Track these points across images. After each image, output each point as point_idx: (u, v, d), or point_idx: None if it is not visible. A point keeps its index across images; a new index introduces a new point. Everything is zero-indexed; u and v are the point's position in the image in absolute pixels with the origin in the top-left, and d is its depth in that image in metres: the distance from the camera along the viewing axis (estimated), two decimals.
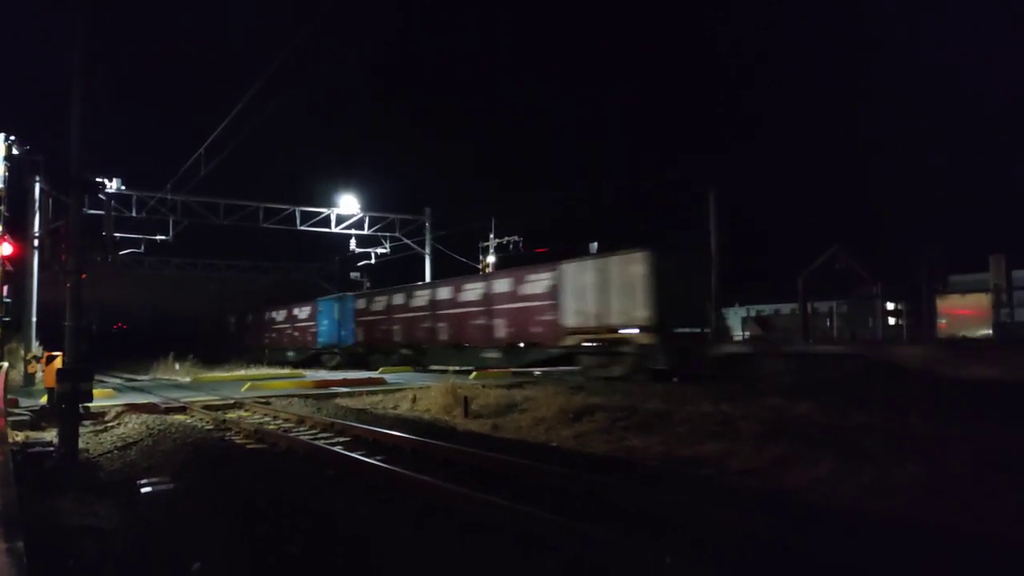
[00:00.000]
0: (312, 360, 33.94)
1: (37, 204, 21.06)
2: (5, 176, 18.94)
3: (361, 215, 32.71)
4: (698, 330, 18.10)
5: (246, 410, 14.40)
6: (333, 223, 32.37)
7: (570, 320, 19.78)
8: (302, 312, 36.23)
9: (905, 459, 6.98)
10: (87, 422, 12.00)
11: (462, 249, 33.43)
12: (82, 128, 9.82)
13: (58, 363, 11.24)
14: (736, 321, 23.41)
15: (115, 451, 9.87)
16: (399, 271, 35.11)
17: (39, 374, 17.62)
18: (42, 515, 6.05)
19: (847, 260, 17.10)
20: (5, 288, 17.94)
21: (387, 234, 34.16)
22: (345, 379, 20.76)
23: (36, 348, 21.10)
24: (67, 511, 6.34)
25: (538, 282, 21.14)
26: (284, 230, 32.03)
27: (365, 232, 33.49)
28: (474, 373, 20.93)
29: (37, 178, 21.51)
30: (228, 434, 11.26)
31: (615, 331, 18.49)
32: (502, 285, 22.71)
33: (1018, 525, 5.36)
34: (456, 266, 32.88)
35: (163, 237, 30.37)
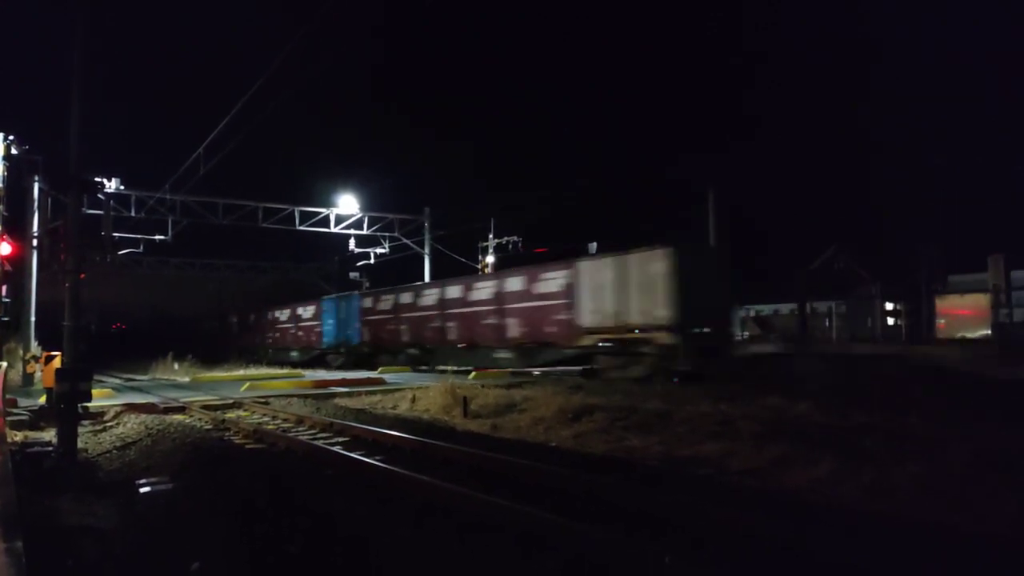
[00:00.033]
0: (317, 360, 33.45)
1: (36, 204, 21.04)
2: (4, 176, 18.93)
3: (360, 215, 32.68)
4: (720, 330, 17.58)
5: (245, 410, 14.39)
6: (332, 223, 32.33)
7: (587, 319, 19.25)
8: (306, 311, 35.67)
9: (905, 459, 6.97)
10: (86, 422, 11.99)
11: (461, 249, 33.46)
12: (81, 128, 9.82)
13: (57, 363, 11.24)
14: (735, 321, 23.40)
15: (114, 451, 9.85)
16: (398, 271, 35.11)
17: (38, 374, 17.61)
18: (41, 515, 6.04)
19: (847, 260, 17.03)
20: (4, 288, 17.92)
21: (386, 234, 34.14)
22: (344, 379, 20.74)
23: (35, 348, 21.08)
24: (66, 511, 6.33)
25: (553, 280, 20.56)
26: (283, 230, 31.97)
27: (364, 232, 33.45)
28: (473, 373, 20.90)
29: (36, 178, 21.50)
30: (227, 434, 11.25)
31: (634, 331, 17.96)
32: (515, 283, 22.10)
33: (1018, 525, 5.36)
34: (455, 266, 32.92)
35: (162, 237, 30.31)
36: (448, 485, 6.70)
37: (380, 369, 25.93)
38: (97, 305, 51.62)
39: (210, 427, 12.03)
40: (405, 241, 34.03)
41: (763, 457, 7.82)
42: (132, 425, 11.77)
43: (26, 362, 19.51)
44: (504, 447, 9.09)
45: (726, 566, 4.65)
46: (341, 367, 29.55)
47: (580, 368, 19.90)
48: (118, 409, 13.53)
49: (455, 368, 21.73)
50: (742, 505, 5.84)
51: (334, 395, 16.63)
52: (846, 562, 4.57)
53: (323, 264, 45.95)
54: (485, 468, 7.76)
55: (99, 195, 16.27)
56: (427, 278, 31.89)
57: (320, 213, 31.89)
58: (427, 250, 33.78)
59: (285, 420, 12.65)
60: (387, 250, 34.86)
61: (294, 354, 36.26)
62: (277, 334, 38.90)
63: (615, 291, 18.46)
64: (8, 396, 14.06)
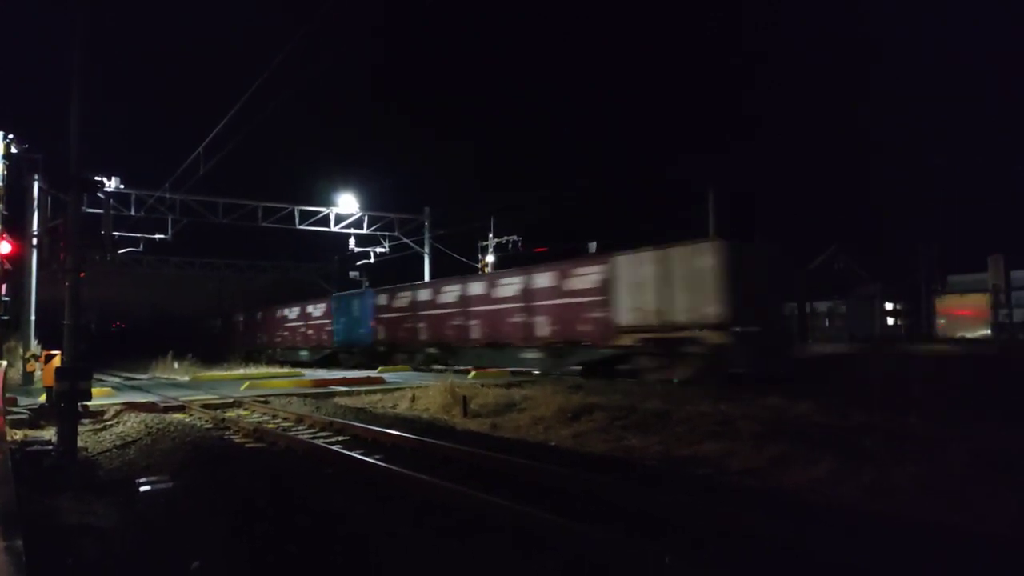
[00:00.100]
0: (328, 359, 32.44)
1: (36, 202, 21.05)
2: (4, 174, 18.91)
3: (360, 214, 32.70)
4: (776, 329, 16.62)
5: (245, 409, 14.39)
6: (332, 222, 32.34)
7: (624, 317, 18.08)
8: (317, 309, 34.59)
9: (905, 459, 6.97)
10: (86, 421, 12.00)
11: (461, 248, 33.50)
12: (81, 127, 9.82)
13: (57, 362, 11.25)
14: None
15: (114, 450, 9.85)
16: (398, 270, 35.12)
17: (38, 373, 17.62)
18: (41, 514, 6.04)
19: (847, 260, 16.73)
20: (4, 287, 17.92)
21: (386, 233, 34.15)
22: (344, 378, 20.74)
23: (35, 347, 21.09)
24: (66, 510, 6.33)
25: (587, 276, 19.46)
26: (283, 229, 31.97)
27: (364, 231, 33.47)
28: (473, 372, 20.89)
29: (36, 176, 21.50)
30: (227, 433, 11.25)
31: (680, 329, 16.81)
32: (544, 280, 20.94)
33: (1018, 525, 5.36)
34: (455, 265, 32.95)
35: (162, 236, 30.31)
36: (447, 484, 6.70)
37: (380, 369, 25.86)
38: (97, 304, 51.69)
39: (210, 426, 12.03)
40: (405, 240, 34.05)
41: (763, 457, 7.82)
42: (132, 424, 11.77)
43: (26, 361, 19.52)
44: (503, 446, 9.10)
45: (726, 566, 4.65)
46: (355, 367, 28.49)
47: (624, 369, 18.57)
48: (118, 408, 13.53)
49: (455, 368, 21.70)
50: (742, 505, 5.84)
51: (334, 394, 16.63)
52: (846, 562, 4.57)
53: (323, 264, 45.96)
54: (484, 467, 7.76)
55: (99, 194, 16.25)
56: (427, 277, 31.90)
57: (320, 212, 31.90)
58: (427, 249, 33.80)
59: (285, 419, 12.65)
60: (387, 249, 34.88)
61: (304, 353, 35.28)
62: (286, 333, 37.94)
63: (657, 287, 17.40)
64: (8, 395, 14.07)
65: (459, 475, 7.41)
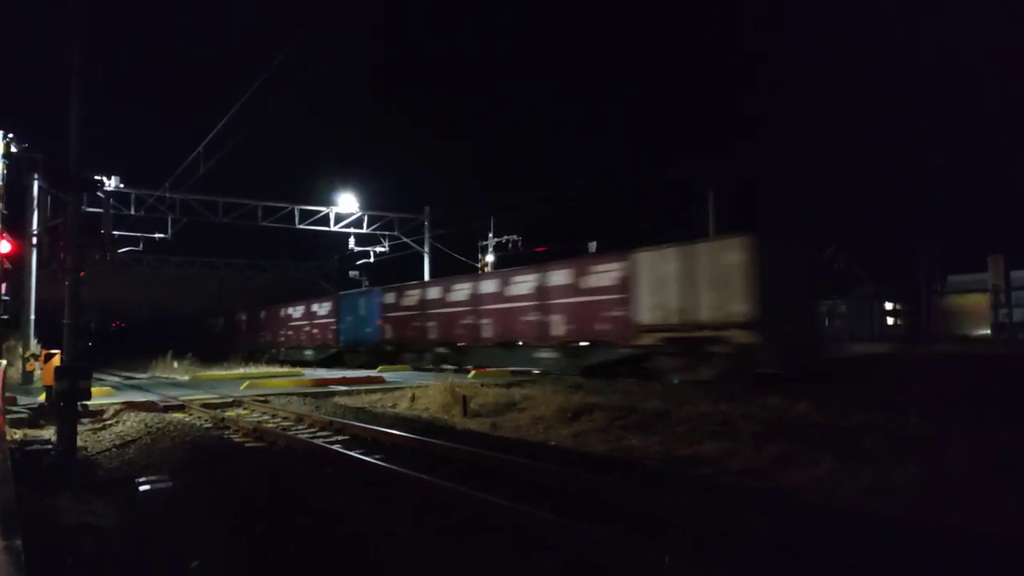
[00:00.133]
0: (334, 359, 32.00)
1: (36, 202, 21.04)
2: (4, 174, 18.92)
3: (360, 214, 32.71)
4: (807, 328, 16.04)
5: (245, 408, 14.39)
6: (332, 222, 32.34)
7: (646, 316, 17.51)
8: (322, 308, 34.03)
9: (905, 459, 6.97)
10: (85, 420, 12.00)
11: (461, 248, 33.53)
12: (81, 127, 9.83)
13: (56, 361, 11.25)
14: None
15: (113, 449, 9.85)
16: (397, 270, 35.15)
17: (37, 372, 17.61)
18: (40, 513, 6.03)
19: (847, 260, 16.41)
20: (3, 286, 17.92)
21: (386, 233, 34.17)
22: (344, 377, 20.74)
23: (34, 346, 21.08)
24: (65, 509, 6.32)
25: (605, 273, 18.85)
26: (283, 228, 31.98)
27: (364, 231, 33.48)
28: (472, 372, 20.87)
29: (36, 176, 21.49)
30: (227, 432, 11.24)
31: (704, 328, 16.26)
32: (560, 277, 20.34)
33: (1018, 525, 5.35)
34: (455, 265, 32.97)
35: (162, 235, 30.34)
36: (447, 484, 6.70)
37: (380, 368, 25.80)
38: (97, 303, 51.69)
39: (210, 425, 12.03)
40: (405, 240, 34.06)
41: (763, 457, 7.81)
42: (132, 423, 11.76)
43: (26, 360, 19.52)
44: (503, 446, 9.09)
45: (726, 566, 4.65)
46: (361, 366, 27.96)
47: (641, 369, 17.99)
48: (118, 407, 13.52)
49: (454, 367, 21.59)
50: (742, 505, 5.84)
51: (333, 394, 16.63)
52: (846, 562, 4.57)
53: (323, 263, 45.98)
54: (484, 467, 7.75)
55: (99, 193, 16.24)
56: (427, 277, 31.90)
57: (320, 212, 31.91)
58: (427, 249, 33.81)
59: (285, 418, 12.65)
60: (387, 249, 34.90)
61: (308, 353, 34.82)
62: (290, 332, 37.45)
63: (680, 284, 16.80)
64: (8, 394, 14.07)
65: (459, 475, 7.40)
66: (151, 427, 11.10)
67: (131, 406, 13.70)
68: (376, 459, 8.18)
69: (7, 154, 19.20)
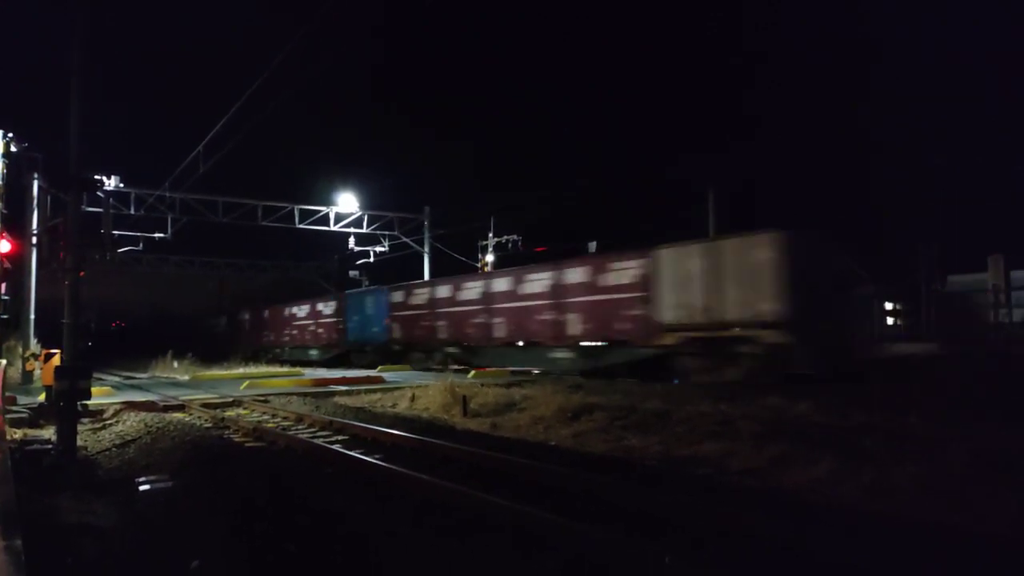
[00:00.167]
0: (340, 359, 31.47)
1: (35, 201, 21.05)
2: (3, 173, 18.92)
3: (360, 213, 32.72)
4: (841, 328, 15.47)
5: (244, 408, 14.39)
6: (332, 221, 32.35)
7: (668, 315, 17.03)
8: (328, 307, 33.61)
9: (905, 459, 6.97)
10: (85, 420, 11.99)
11: (461, 248, 33.53)
12: (81, 127, 9.83)
13: (56, 360, 11.24)
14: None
15: (113, 449, 9.85)
16: (397, 270, 35.13)
17: (37, 372, 17.62)
18: (40, 513, 6.03)
19: (847, 260, 16.14)
20: (3, 285, 17.92)
21: (386, 233, 34.18)
22: (344, 377, 20.75)
23: (34, 345, 21.09)
24: (65, 509, 6.32)
25: (624, 271, 18.36)
26: (283, 228, 31.96)
27: (364, 230, 33.49)
28: (472, 372, 20.87)
29: (36, 175, 21.50)
30: (226, 432, 11.24)
31: (732, 328, 15.74)
32: (577, 275, 19.82)
33: (1018, 525, 5.36)
34: (455, 265, 32.97)
35: (161, 235, 30.34)
36: (447, 484, 6.70)
37: (379, 368, 25.78)
38: (96, 303, 51.63)
39: (209, 425, 12.03)
40: (405, 240, 34.07)
41: (763, 457, 7.81)
42: (131, 423, 11.77)
43: (25, 360, 19.52)
44: (503, 446, 9.09)
45: (726, 566, 4.65)
46: (368, 366, 27.58)
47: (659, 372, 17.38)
48: (117, 407, 13.53)
49: (455, 368, 21.46)
50: (742, 505, 5.84)
51: (333, 393, 16.64)
52: (846, 562, 4.57)
53: (323, 263, 45.97)
54: (484, 467, 7.75)
55: (99, 193, 16.24)
56: (427, 276, 31.91)
57: (320, 211, 31.92)
58: (427, 249, 33.82)
59: (285, 418, 12.65)
60: (387, 249, 34.91)
61: (314, 352, 34.42)
62: (295, 331, 36.93)
63: (706, 282, 16.29)
64: (7, 394, 14.07)
65: (459, 475, 7.40)
66: (151, 427, 11.10)
67: (131, 406, 13.70)
68: (376, 459, 8.18)
69: (7, 153, 19.20)
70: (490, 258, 32.30)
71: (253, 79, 13.51)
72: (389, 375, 22.37)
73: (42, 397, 13.70)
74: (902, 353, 14.57)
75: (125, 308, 66.67)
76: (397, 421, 11.89)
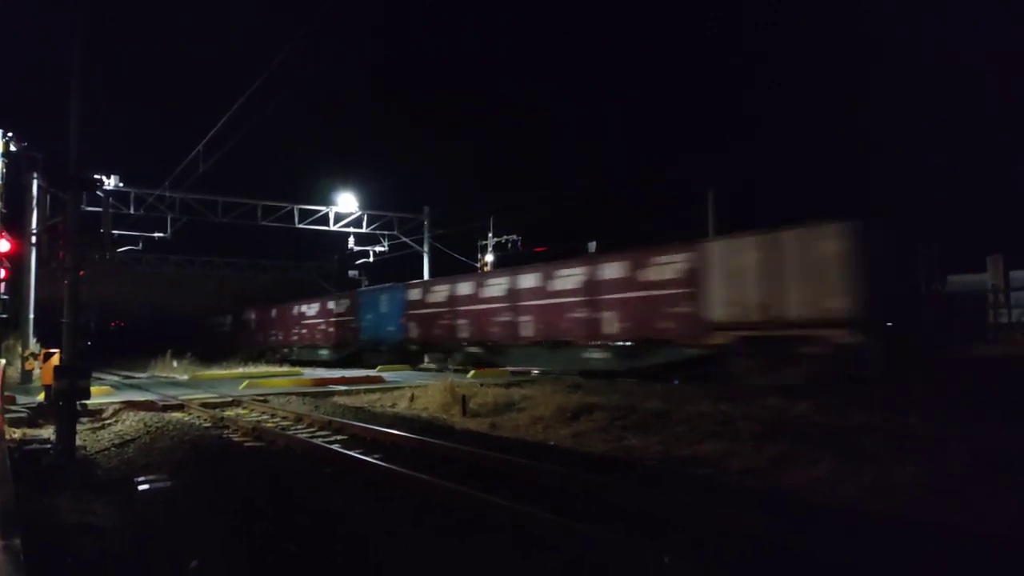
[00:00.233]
0: (352, 358, 30.48)
1: (35, 201, 21.04)
2: (3, 172, 18.91)
3: (360, 213, 32.72)
4: (914, 327, 14.61)
5: (244, 408, 14.38)
6: (332, 221, 32.35)
7: (718, 312, 16.07)
8: (339, 305, 32.44)
9: (905, 459, 6.97)
10: (84, 419, 11.99)
11: (461, 248, 33.54)
12: (81, 127, 9.82)
13: (55, 360, 11.23)
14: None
15: (113, 448, 9.85)
16: (397, 269, 35.12)
17: (36, 371, 17.62)
18: (39, 512, 6.03)
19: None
20: (2, 285, 17.90)
21: (385, 232, 34.18)
22: (343, 377, 20.75)
23: (34, 345, 21.06)
24: (64, 508, 6.32)
25: (668, 265, 17.40)
26: (282, 228, 31.96)
27: (364, 230, 33.49)
28: (472, 372, 20.86)
29: (35, 175, 21.48)
30: (226, 432, 11.24)
31: (793, 326, 14.76)
32: (614, 270, 18.77)
33: (1018, 525, 5.35)
34: (455, 264, 32.98)
35: (161, 234, 30.34)
36: (447, 483, 6.69)
37: (378, 368, 25.72)
38: (96, 302, 51.61)
39: (209, 425, 12.02)
40: (405, 239, 34.07)
41: (763, 457, 7.81)
42: (131, 423, 11.76)
43: (25, 359, 19.51)
44: (503, 446, 9.09)
45: (726, 566, 4.64)
46: (384, 365, 26.72)
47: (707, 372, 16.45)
48: (117, 407, 13.52)
49: (454, 367, 21.43)
50: (742, 505, 5.84)
51: (333, 393, 16.64)
52: (846, 562, 4.57)
53: (323, 263, 45.97)
54: (484, 467, 7.75)
55: (98, 192, 16.23)
56: (426, 276, 31.90)
57: (319, 211, 31.92)
58: (426, 248, 33.81)
59: (284, 418, 12.64)
60: (386, 248, 34.91)
61: (324, 352, 33.42)
62: (304, 330, 35.77)
63: (762, 277, 15.29)
64: (7, 393, 14.07)
65: (459, 475, 7.40)
66: (150, 426, 11.10)
67: (130, 405, 13.70)
68: (375, 459, 8.17)
69: (7, 153, 19.18)
70: (489, 258, 32.31)
71: (253, 79, 13.52)
72: (388, 375, 22.36)
73: (41, 397, 13.68)
74: (978, 355, 13.58)
75: (125, 308, 66.64)
76: (396, 421, 11.89)
